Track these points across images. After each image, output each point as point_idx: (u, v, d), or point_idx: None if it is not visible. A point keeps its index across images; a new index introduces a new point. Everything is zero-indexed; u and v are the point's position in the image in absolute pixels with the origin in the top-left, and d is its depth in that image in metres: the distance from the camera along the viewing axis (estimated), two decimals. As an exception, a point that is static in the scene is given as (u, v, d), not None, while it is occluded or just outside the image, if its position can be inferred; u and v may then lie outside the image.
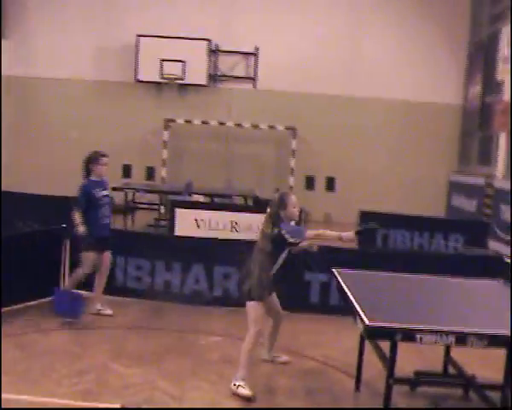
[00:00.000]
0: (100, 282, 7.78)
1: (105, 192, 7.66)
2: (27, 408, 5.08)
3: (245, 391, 5.50)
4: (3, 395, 4.90)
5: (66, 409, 5.04)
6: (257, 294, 5.68)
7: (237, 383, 5.57)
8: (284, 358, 6.48)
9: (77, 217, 7.40)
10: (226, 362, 6.11)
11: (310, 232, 5.74)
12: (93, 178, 7.59)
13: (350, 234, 5.65)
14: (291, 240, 5.63)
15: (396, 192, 17.96)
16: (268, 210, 5.78)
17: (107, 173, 7.76)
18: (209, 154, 18.20)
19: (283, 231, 5.60)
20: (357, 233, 5.67)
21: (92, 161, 7.58)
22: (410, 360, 6.26)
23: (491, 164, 16.33)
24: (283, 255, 5.81)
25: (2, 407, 4.86)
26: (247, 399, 5.46)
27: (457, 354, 5.90)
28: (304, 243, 5.90)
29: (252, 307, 5.69)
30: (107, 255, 7.74)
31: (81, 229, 7.34)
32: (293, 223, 5.89)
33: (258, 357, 6.17)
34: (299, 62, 17.95)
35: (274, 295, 6.10)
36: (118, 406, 5.15)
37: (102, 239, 7.58)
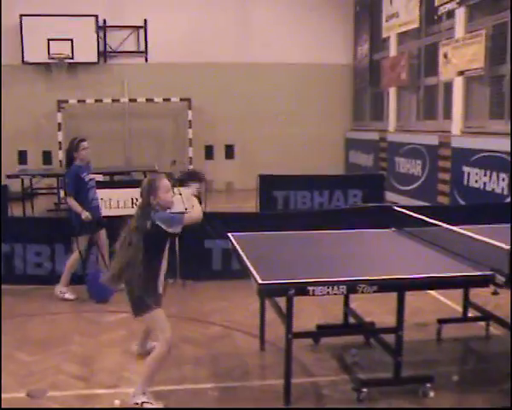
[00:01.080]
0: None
1: (91, 176, 7.95)
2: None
3: (153, 407, 4.77)
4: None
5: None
6: (152, 302, 4.84)
7: (140, 401, 4.74)
8: (154, 343, 5.53)
9: (74, 203, 7.59)
10: (133, 338, 6.09)
11: (186, 216, 4.94)
12: (78, 163, 7.77)
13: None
14: (170, 230, 4.79)
15: (296, 154, 18.25)
16: (139, 200, 4.97)
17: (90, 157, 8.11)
18: (106, 132, 17.83)
19: (159, 222, 4.75)
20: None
21: (74, 148, 7.79)
22: (315, 316, 6.55)
23: (384, 119, 16.83)
24: (166, 248, 4.97)
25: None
26: None
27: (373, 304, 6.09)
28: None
29: (150, 318, 4.93)
30: (103, 233, 7.92)
31: (85, 214, 7.53)
32: (168, 211, 4.93)
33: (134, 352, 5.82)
34: (190, 33, 17.86)
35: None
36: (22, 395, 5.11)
37: (96, 221, 7.81)
